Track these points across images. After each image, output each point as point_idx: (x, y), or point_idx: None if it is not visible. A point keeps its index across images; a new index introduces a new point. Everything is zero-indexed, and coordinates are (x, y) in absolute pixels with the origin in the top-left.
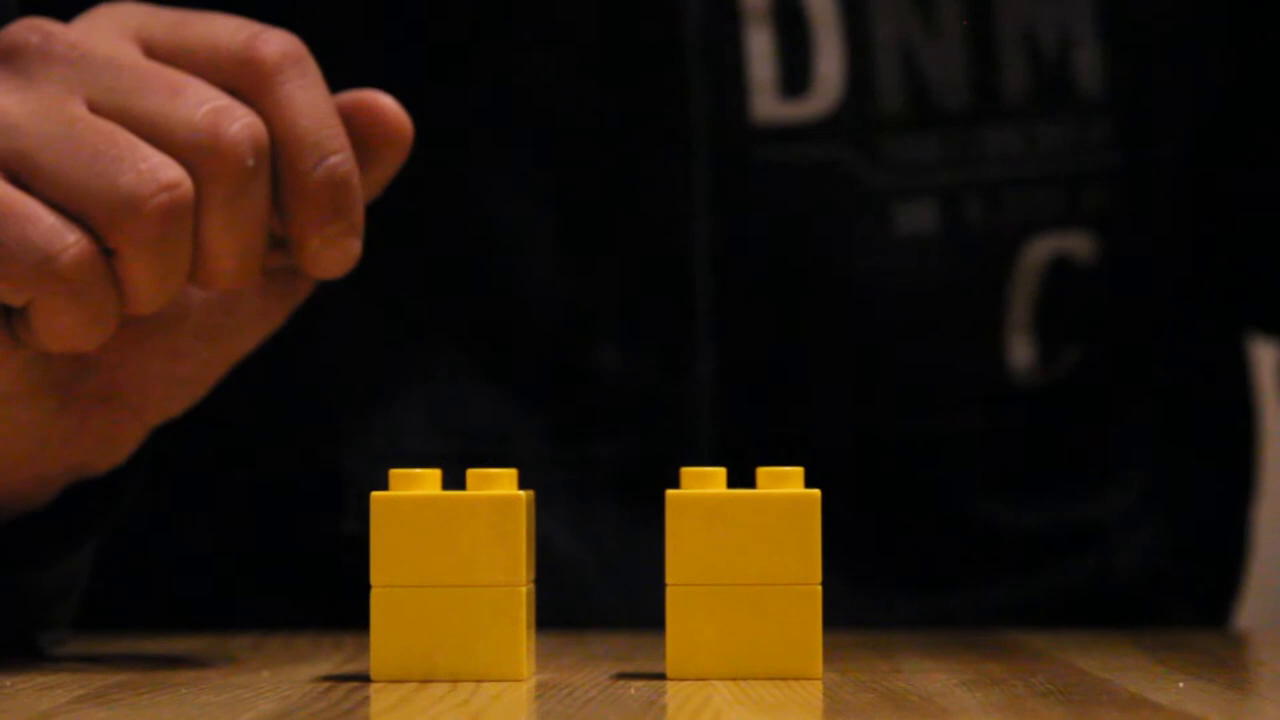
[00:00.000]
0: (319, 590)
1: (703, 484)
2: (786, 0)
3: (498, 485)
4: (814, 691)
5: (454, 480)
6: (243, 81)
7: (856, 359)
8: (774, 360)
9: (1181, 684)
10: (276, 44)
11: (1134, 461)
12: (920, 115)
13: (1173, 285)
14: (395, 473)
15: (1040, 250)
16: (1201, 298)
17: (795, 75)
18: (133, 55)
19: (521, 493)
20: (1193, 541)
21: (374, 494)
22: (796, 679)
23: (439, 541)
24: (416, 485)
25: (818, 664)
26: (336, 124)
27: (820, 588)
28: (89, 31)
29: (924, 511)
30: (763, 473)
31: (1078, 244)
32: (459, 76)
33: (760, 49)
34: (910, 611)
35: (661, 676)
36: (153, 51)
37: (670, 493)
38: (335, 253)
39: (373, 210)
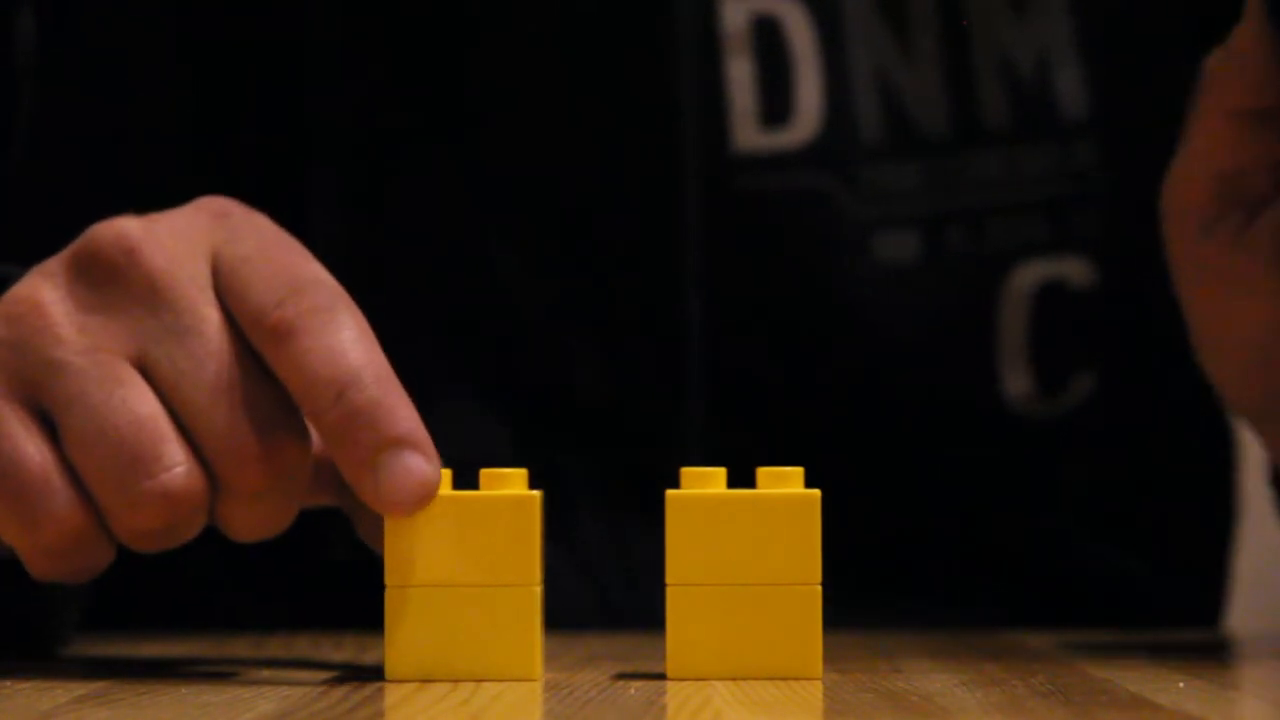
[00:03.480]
0: (319, 590)
1: (703, 484)
2: (766, 30)
3: (510, 485)
4: (814, 691)
5: (461, 481)
6: (267, 342)
7: (844, 387)
8: (759, 386)
9: (1181, 684)
10: (303, 302)
11: (1133, 463)
12: (900, 143)
13: (1170, 307)
14: None
15: (1028, 276)
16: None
17: (776, 105)
18: (202, 314)
19: (535, 492)
20: (1189, 542)
21: None
22: (796, 679)
23: (453, 542)
24: None
25: (818, 664)
26: (359, 359)
27: (820, 588)
28: (173, 256)
29: (924, 511)
30: (763, 473)
31: (1071, 269)
32: (447, 97)
33: (741, 78)
34: (910, 612)
35: (661, 676)
36: (217, 279)
37: (670, 493)
38: (397, 480)
39: (362, 231)
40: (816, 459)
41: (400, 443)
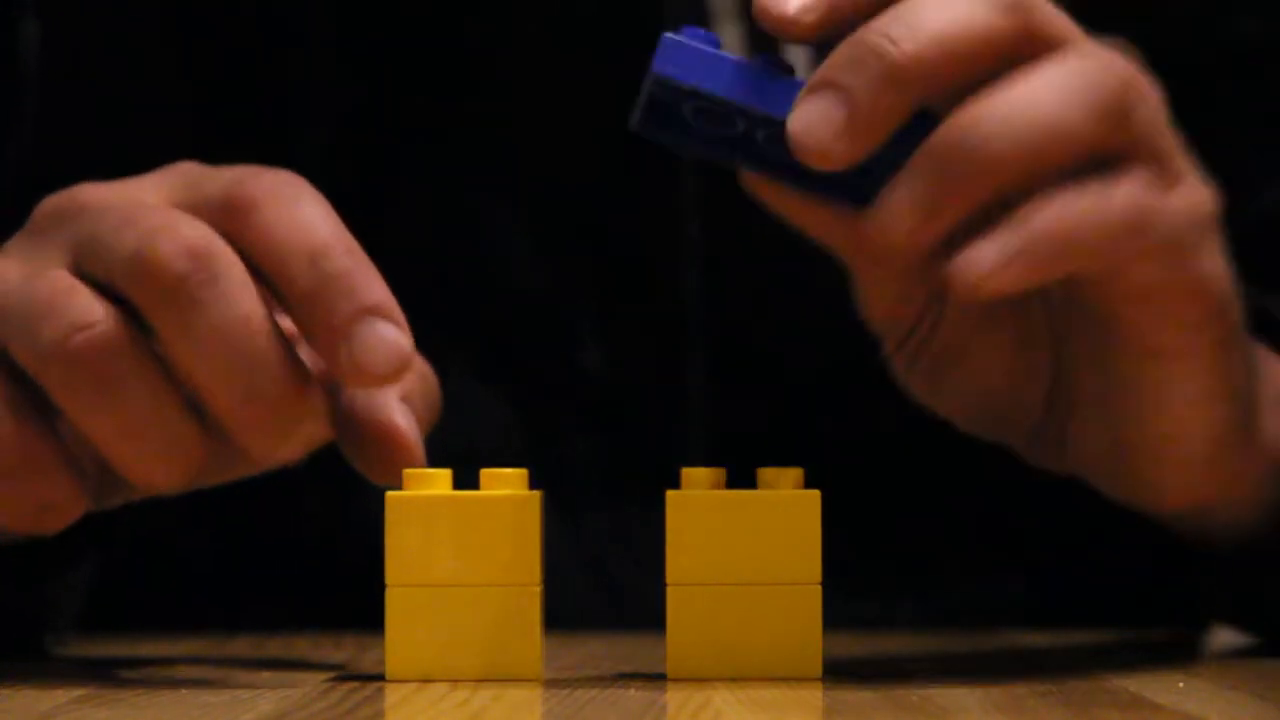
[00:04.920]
0: (319, 590)
1: (703, 484)
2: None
3: (510, 485)
4: (814, 691)
5: (461, 481)
6: (229, 219)
7: (851, 361)
8: (765, 364)
9: (1181, 684)
10: (264, 178)
11: None
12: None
13: None
14: (409, 472)
15: None
16: None
17: None
18: (132, 202)
19: (535, 492)
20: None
21: (389, 494)
22: (796, 679)
23: (453, 542)
24: (429, 485)
25: (818, 664)
26: (331, 231)
27: (820, 588)
28: (116, 189)
29: (924, 511)
30: (763, 473)
31: None
32: (451, 84)
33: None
34: (910, 612)
35: (661, 676)
36: (179, 205)
37: (670, 493)
38: (371, 348)
39: (362, 214)
40: (819, 450)
41: (374, 311)
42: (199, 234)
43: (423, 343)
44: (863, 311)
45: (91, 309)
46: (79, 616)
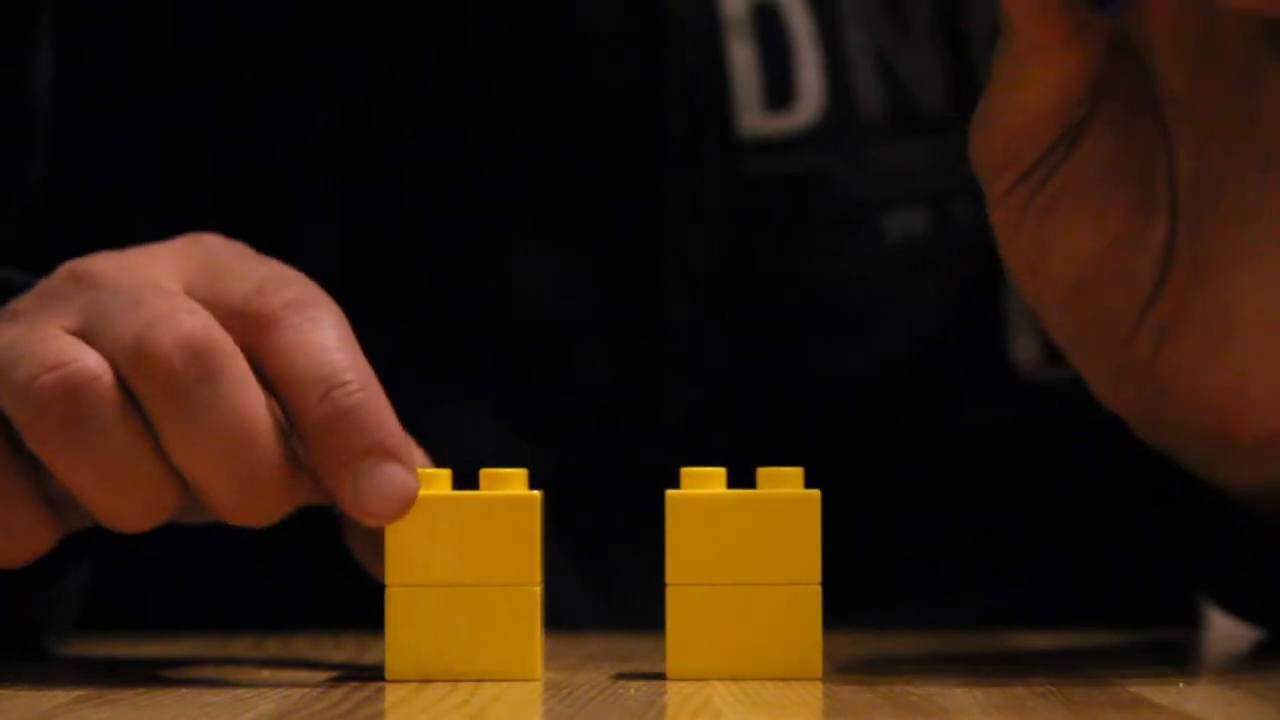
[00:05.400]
0: (318, 590)
1: (703, 484)
2: (766, 13)
3: (510, 485)
4: (814, 691)
5: (461, 481)
6: (246, 330)
7: (853, 367)
8: (765, 374)
9: (1181, 684)
10: (285, 293)
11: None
12: (901, 121)
13: None
14: None
15: None
16: None
17: (779, 87)
18: (146, 283)
19: (535, 492)
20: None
21: None
22: (796, 679)
23: (453, 542)
24: (429, 485)
25: (818, 664)
26: (345, 359)
27: (820, 588)
28: (131, 264)
29: (925, 511)
30: (763, 473)
31: None
32: (453, 88)
33: (744, 62)
34: (911, 612)
35: (661, 676)
36: (193, 292)
37: (670, 493)
38: (377, 488)
39: (363, 213)
40: (823, 448)
41: (383, 451)
42: (199, 325)
43: (423, 343)
44: (994, 135)
45: (66, 351)
46: (79, 617)
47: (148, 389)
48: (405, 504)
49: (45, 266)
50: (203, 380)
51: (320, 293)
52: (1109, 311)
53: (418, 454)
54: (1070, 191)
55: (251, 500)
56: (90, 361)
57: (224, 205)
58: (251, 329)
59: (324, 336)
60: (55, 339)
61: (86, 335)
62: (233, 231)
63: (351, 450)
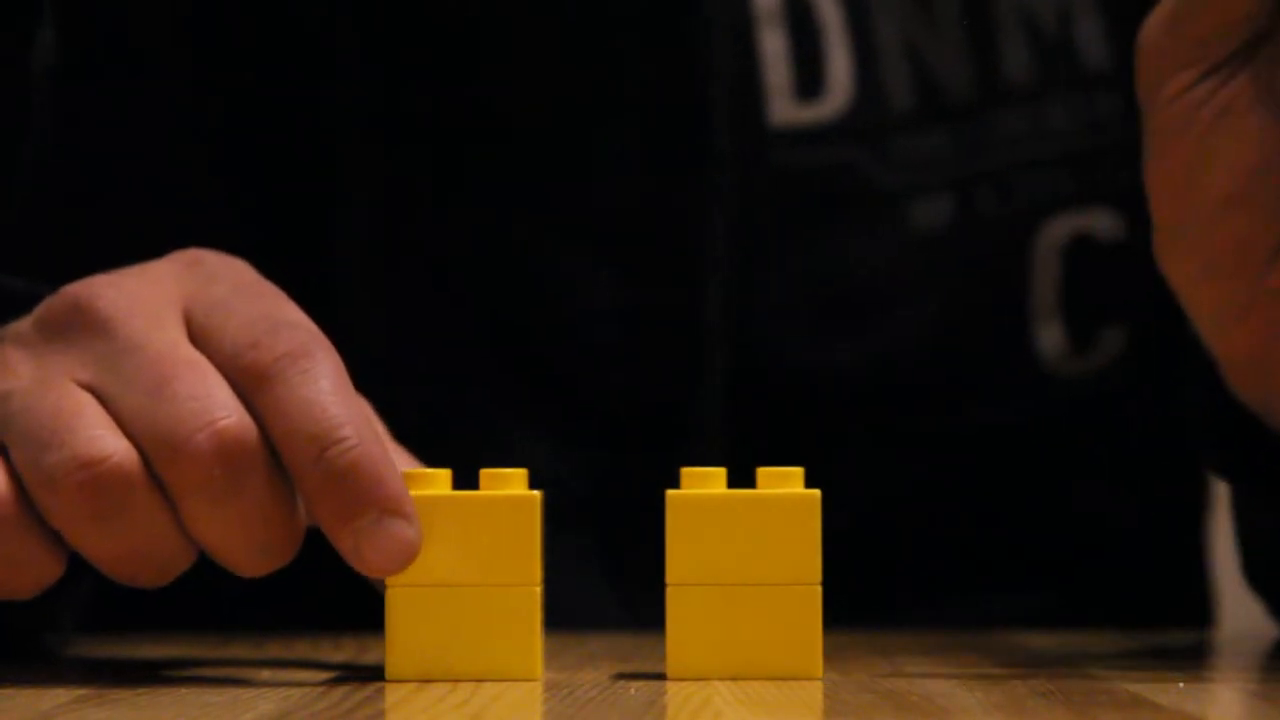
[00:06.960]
0: (318, 590)
1: (703, 484)
2: (797, 4)
3: (510, 485)
4: (814, 691)
5: (460, 481)
6: (243, 385)
7: (880, 358)
8: (793, 362)
9: (1181, 684)
10: (279, 346)
11: (1142, 454)
12: (928, 110)
13: None
14: (407, 472)
15: (1058, 230)
16: None
17: (809, 78)
18: (155, 338)
19: (535, 492)
20: (1192, 539)
21: None
22: (796, 679)
23: (453, 542)
24: (429, 485)
25: (818, 664)
26: (340, 414)
27: (820, 588)
28: (135, 301)
29: (925, 511)
30: (763, 473)
31: (1099, 221)
32: (477, 86)
33: (774, 52)
34: (910, 612)
35: (661, 676)
36: (190, 327)
37: (670, 493)
38: (378, 545)
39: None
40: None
41: (381, 507)
42: (233, 426)
43: (428, 342)
44: (1188, 28)
45: (99, 443)
46: (79, 617)
47: (179, 482)
48: (407, 558)
49: (45, 265)
50: (233, 481)
51: (315, 336)
52: (1254, 232)
53: (406, 458)
54: (1245, 96)
55: (267, 562)
56: (123, 458)
57: (244, 203)
58: (248, 384)
59: (318, 390)
60: (80, 415)
61: (103, 397)
62: (253, 231)
63: (350, 509)
